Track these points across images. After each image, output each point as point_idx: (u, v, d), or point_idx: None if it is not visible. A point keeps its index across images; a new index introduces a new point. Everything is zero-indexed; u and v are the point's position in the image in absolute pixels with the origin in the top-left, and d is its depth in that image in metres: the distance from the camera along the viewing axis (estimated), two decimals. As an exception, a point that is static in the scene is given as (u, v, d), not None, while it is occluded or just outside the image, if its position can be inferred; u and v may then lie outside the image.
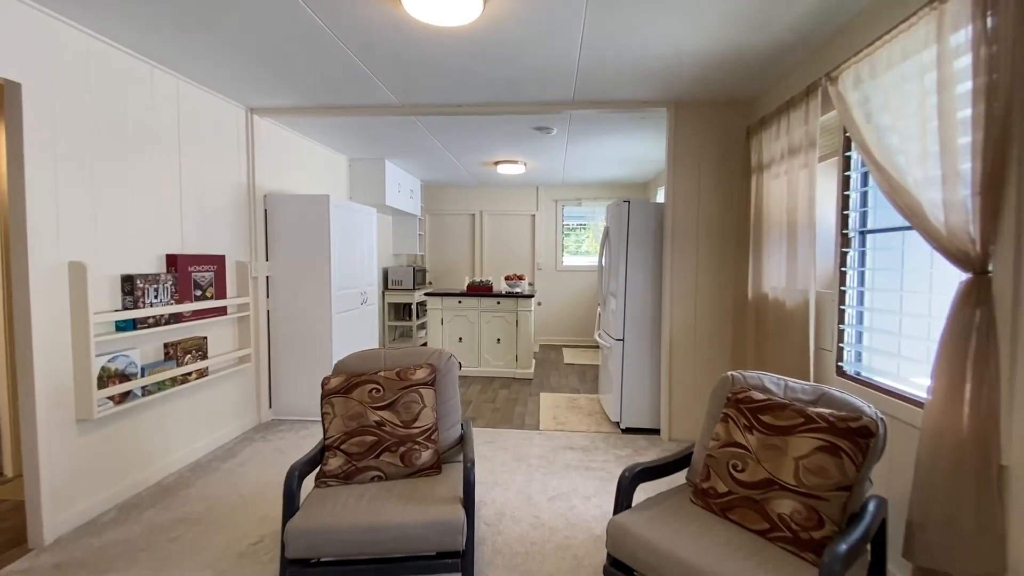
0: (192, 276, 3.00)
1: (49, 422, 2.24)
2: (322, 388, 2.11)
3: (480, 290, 5.25)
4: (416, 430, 2.03)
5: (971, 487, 1.53)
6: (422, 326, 6.95)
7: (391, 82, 3.08)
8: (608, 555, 1.69)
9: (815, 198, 2.32)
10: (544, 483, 2.78)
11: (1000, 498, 1.50)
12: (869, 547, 1.61)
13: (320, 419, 2.99)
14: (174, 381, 2.87)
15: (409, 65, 2.81)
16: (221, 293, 3.25)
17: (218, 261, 3.22)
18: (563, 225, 7.25)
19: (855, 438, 1.51)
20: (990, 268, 1.51)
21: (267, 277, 3.83)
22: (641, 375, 3.63)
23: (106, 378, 2.46)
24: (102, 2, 2.13)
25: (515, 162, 5.42)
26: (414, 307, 6.49)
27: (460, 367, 2.32)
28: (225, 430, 3.39)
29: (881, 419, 1.57)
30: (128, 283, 2.58)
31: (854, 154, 2.29)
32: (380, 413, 2.03)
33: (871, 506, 1.57)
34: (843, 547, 1.32)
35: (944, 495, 1.59)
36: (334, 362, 3.86)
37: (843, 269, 2.32)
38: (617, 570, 1.66)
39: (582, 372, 5.49)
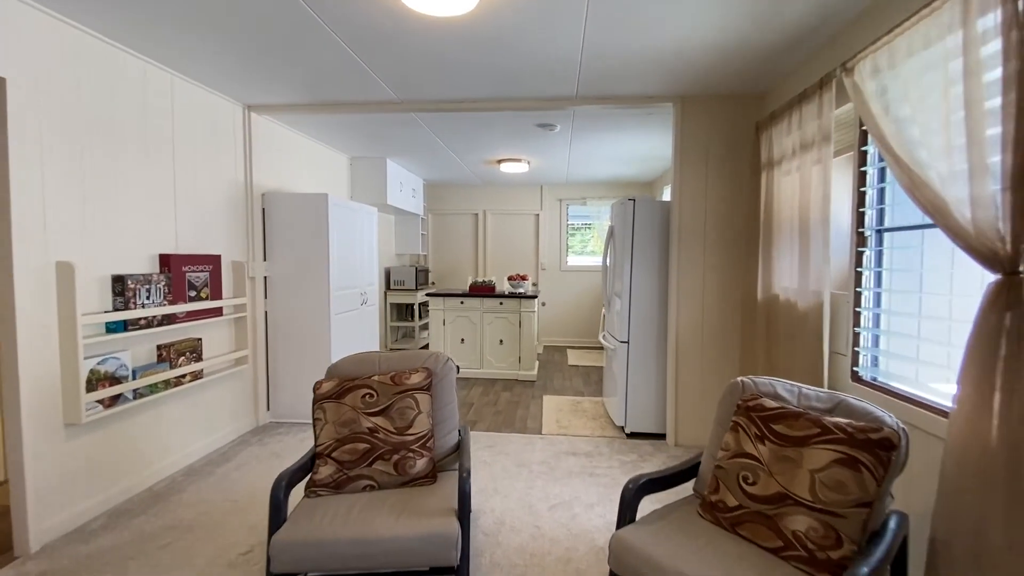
0: (186, 276, 2.94)
1: (35, 426, 2.18)
2: (314, 393, 2.03)
3: (482, 290, 5.17)
4: (410, 437, 1.95)
5: (1000, 502, 1.43)
6: (425, 327, 6.88)
7: (389, 77, 3.00)
8: (611, 572, 1.60)
9: (830, 195, 2.22)
10: (545, 490, 2.69)
11: (1033, 516, 1.39)
12: (888, 567, 1.51)
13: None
14: (167, 384, 2.80)
15: (406, 59, 2.73)
16: (216, 294, 3.19)
17: (213, 261, 3.15)
18: (567, 225, 7.15)
19: (876, 451, 1.41)
20: (1021, 268, 1.41)
21: (265, 277, 3.77)
22: (646, 378, 3.53)
23: (95, 381, 2.39)
24: (88, -6, 2.07)
25: (518, 160, 5.34)
26: (416, 308, 6.42)
27: (458, 371, 2.23)
28: (221, 433, 3.33)
29: (903, 429, 1.47)
30: (119, 284, 2.52)
31: (871, 148, 2.18)
32: (373, 419, 1.95)
33: (892, 523, 1.47)
34: (864, 570, 1.22)
35: (971, 510, 1.48)
36: (332, 361, 3.79)
37: (859, 269, 2.21)
38: (620, 588, 1.57)
39: (586, 374, 5.40)
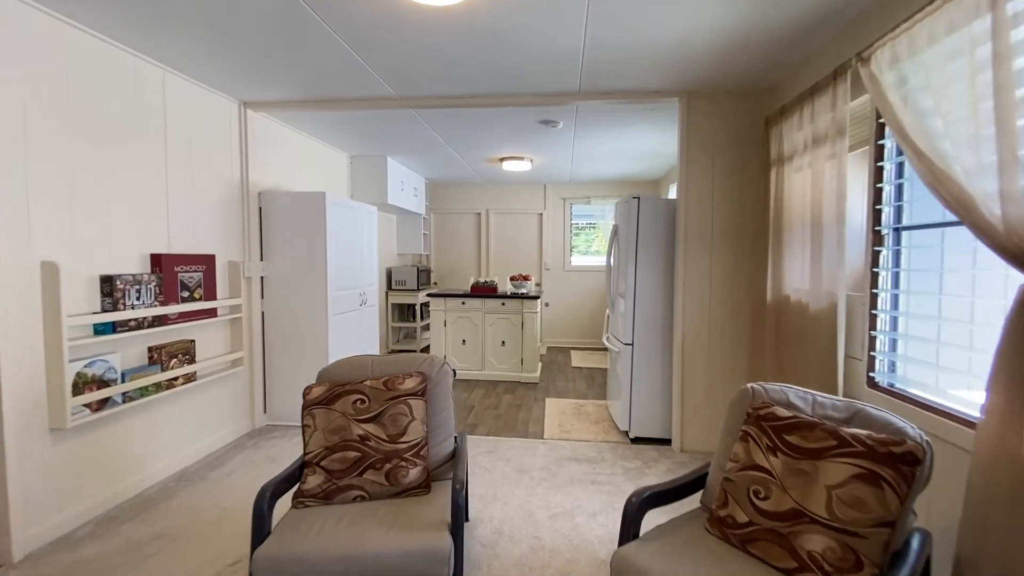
0: (179, 276, 2.87)
1: (19, 431, 2.11)
2: (303, 398, 1.95)
3: (484, 291, 5.08)
4: (403, 445, 1.87)
5: (1033, 521, 1.32)
6: (427, 327, 6.81)
7: (387, 73, 2.92)
8: (612, 591, 1.51)
9: (845, 191, 2.11)
10: (546, 498, 2.60)
11: (1071, 537, 1.29)
12: (912, 589, 1.41)
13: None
14: (158, 387, 2.73)
15: (404, 54, 2.64)
16: (211, 294, 3.12)
17: (207, 261, 3.08)
18: (571, 224, 7.05)
19: (898, 465, 1.30)
20: (1057, 269, 1.30)
21: (262, 277, 3.70)
22: (651, 382, 3.43)
23: (82, 384, 2.32)
24: (71, -16, 2.00)
25: (521, 158, 5.24)
26: (418, 308, 6.34)
27: (455, 375, 2.14)
28: (216, 436, 3.26)
29: (927, 442, 1.37)
30: (107, 284, 2.45)
31: (888, 142, 2.08)
32: (364, 426, 1.87)
33: (915, 543, 1.36)
34: (888, 598, 1.12)
35: (1000, 528, 1.37)
36: (330, 364, 3.71)
37: (875, 270, 2.10)
38: (622, 609, 1.47)
39: (590, 376, 5.30)
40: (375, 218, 4.51)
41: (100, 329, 2.42)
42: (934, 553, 1.69)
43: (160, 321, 2.73)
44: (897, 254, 2.07)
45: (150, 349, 2.74)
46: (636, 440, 3.43)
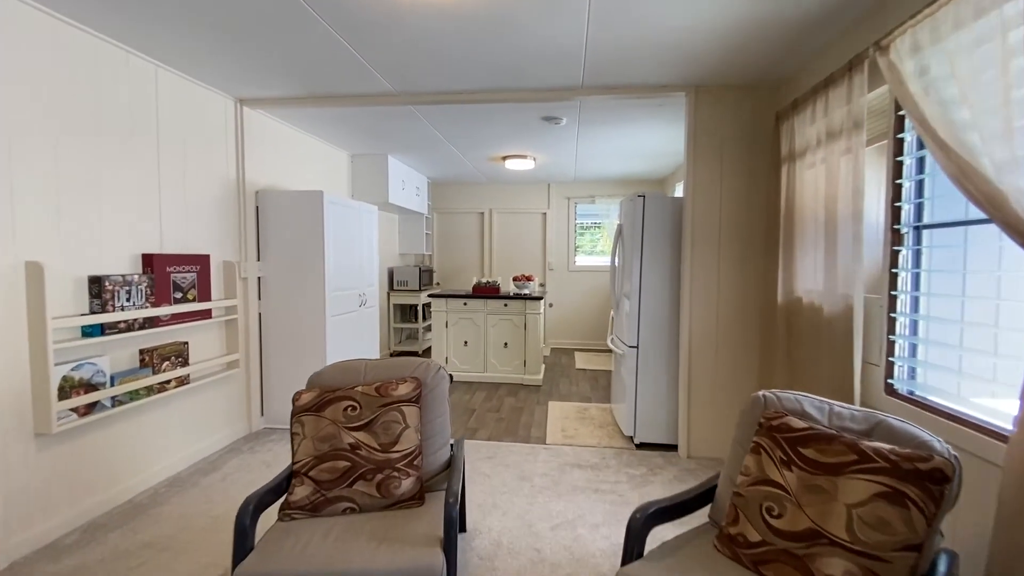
0: (171, 277, 2.80)
1: (2, 436, 2.05)
2: (293, 404, 1.87)
3: (486, 291, 4.99)
4: (396, 454, 1.78)
5: (1072, 544, 1.22)
6: (429, 328, 6.73)
7: (384, 68, 2.84)
8: (615, 613, 1.41)
9: (862, 187, 2.00)
10: (547, 507, 2.51)
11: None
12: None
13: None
14: (149, 390, 2.67)
15: (400, 48, 2.56)
16: (205, 295, 3.05)
17: (201, 261, 3.01)
18: (576, 224, 6.94)
19: (925, 484, 1.20)
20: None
21: (259, 278, 3.63)
22: (657, 386, 3.33)
23: (68, 388, 2.26)
24: (54, -26, 1.93)
25: (524, 157, 5.15)
26: (420, 308, 6.27)
27: (451, 380, 2.06)
28: (211, 440, 3.19)
29: (955, 457, 1.27)
30: (96, 285, 2.38)
31: (908, 136, 1.97)
32: (355, 434, 1.78)
33: (942, 566, 1.26)
34: (917, 631, 1.02)
35: (1035, 551, 1.27)
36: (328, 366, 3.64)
37: (894, 270, 1.99)
38: (625, 633, 1.38)
39: (594, 378, 5.20)
40: (375, 217, 4.44)
41: (88, 331, 2.36)
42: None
43: (151, 323, 2.66)
44: (917, 254, 1.96)
45: (141, 352, 2.67)
46: (641, 446, 3.33)
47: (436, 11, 2.19)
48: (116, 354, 2.54)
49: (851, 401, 2.02)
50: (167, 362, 2.78)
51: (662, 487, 2.74)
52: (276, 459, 3.10)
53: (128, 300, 2.52)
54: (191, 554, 2.12)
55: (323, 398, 1.86)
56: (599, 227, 6.98)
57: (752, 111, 3.06)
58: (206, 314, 3.06)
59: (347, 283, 3.96)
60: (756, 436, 1.54)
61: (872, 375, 2.08)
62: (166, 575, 1.98)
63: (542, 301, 4.98)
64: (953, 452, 1.29)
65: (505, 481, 2.79)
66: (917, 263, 1.95)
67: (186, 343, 2.91)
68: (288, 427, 3.66)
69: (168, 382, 2.79)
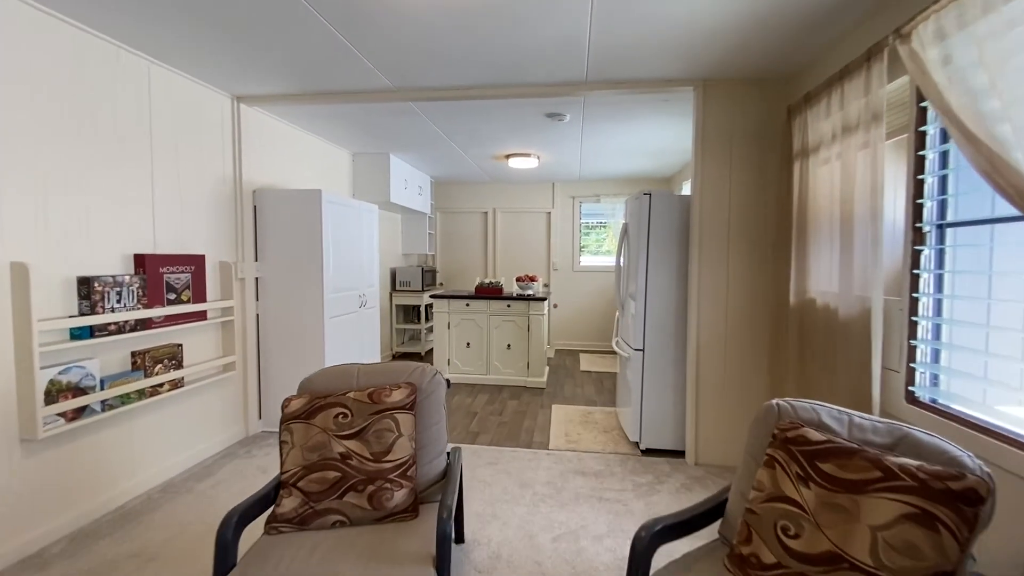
0: (164, 278, 2.73)
1: (-15, 443, 1.99)
2: (282, 411, 1.79)
3: (489, 292, 4.90)
4: (388, 464, 1.70)
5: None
6: (432, 329, 6.65)
7: (382, 63, 2.76)
8: (618, 639, 1.32)
9: (881, 183, 1.89)
10: (549, 517, 2.42)
11: None
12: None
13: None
14: (141, 394, 2.60)
15: (397, 41, 2.47)
16: (200, 296, 2.98)
17: (196, 261, 2.95)
18: (581, 224, 6.84)
19: (958, 504, 1.10)
20: None
21: (256, 279, 3.56)
22: (663, 390, 3.22)
23: (56, 392, 2.19)
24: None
25: (527, 155, 5.06)
26: (423, 309, 6.20)
27: (448, 385, 1.97)
28: (206, 444, 3.13)
29: (988, 475, 1.16)
30: (85, 286, 2.32)
31: (931, 128, 1.86)
32: (346, 443, 1.70)
33: (976, 593, 1.16)
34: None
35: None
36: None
37: (915, 271, 1.89)
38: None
39: (599, 381, 5.09)
40: (376, 217, 4.36)
41: (77, 333, 2.29)
42: (990, 597, 1.48)
43: (144, 325, 2.59)
44: (940, 254, 1.85)
45: (133, 354, 2.61)
46: (647, 452, 3.23)
47: (435, 5, 2.10)
48: (107, 357, 2.47)
49: (869, 409, 1.92)
50: (160, 365, 2.72)
51: (669, 496, 2.64)
52: (272, 464, 3.03)
53: (119, 301, 2.45)
54: (179, 564, 2.05)
55: (313, 404, 1.78)
56: (604, 227, 6.87)
57: (762, 105, 2.95)
58: (201, 315, 3.00)
59: (347, 284, 3.88)
60: (770, 448, 1.44)
61: (892, 382, 1.97)
62: (152, 587, 1.91)
63: (546, 302, 4.88)
64: (986, 469, 1.18)
65: (506, 489, 2.70)
66: (940, 263, 1.85)
67: (180, 345, 2.84)
68: (286, 431, 3.59)
69: (161, 385, 2.72)
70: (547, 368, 5.30)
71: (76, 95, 2.30)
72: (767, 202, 2.96)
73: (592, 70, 2.85)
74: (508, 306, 4.82)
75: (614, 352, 6.43)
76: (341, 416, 1.74)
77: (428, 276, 6.24)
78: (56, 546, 2.19)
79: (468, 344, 4.92)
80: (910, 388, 1.90)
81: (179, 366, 2.84)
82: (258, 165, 3.60)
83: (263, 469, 2.96)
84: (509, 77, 2.96)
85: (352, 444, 1.70)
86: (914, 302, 1.89)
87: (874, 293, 1.93)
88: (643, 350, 3.23)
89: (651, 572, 1.39)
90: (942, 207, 1.84)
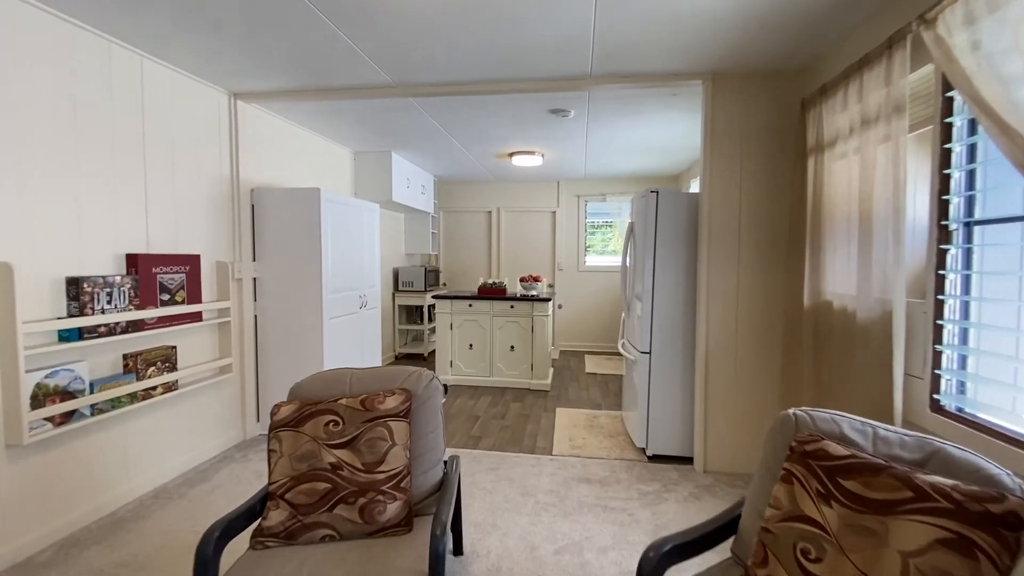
0: (157, 278, 2.67)
1: (-32, 449, 1.92)
2: (271, 418, 1.71)
3: (492, 293, 4.82)
4: (381, 475, 1.61)
5: None
6: (435, 330, 6.57)
7: (380, 58, 2.67)
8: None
9: (903, 179, 1.79)
10: (552, 527, 2.32)
11: None
12: None
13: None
14: (133, 397, 2.54)
15: (398, 35, 2.39)
16: (195, 297, 2.91)
17: (191, 261, 2.88)
18: (586, 223, 6.74)
19: (998, 529, 1.00)
20: None
21: (254, 279, 3.50)
22: (671, 394, 3.12)
23: (43, 396, 2.13)
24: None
25: (531, 153, 4.96)
26: (425, 310, 6.12)
27: (446, 391, 1.88)
28: (202, 448, 3.06)
29: (1031, 495, 1.06)
30: (73, 287, 2.25)
31: (957, 120, 1.75)
32: (337, 453, 1.62)
33: (1017, 626, 1.05)
34: None
35: None
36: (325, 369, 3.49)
37: (941, 272, 1.78)
38: None
39: (605, 384, 4.99)
40: (376, 216, 4.29)
41: (65, 336, 2.23)
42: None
43: (136, 326, 2.53)
44: (968, 253, 1.74)
45: (125, 357, 2.54)
46: (654, 458, 3.13)
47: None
48: (97, 359, 2.41)
49: (891, 418, 1.81)
50: (153, 367, 2.65)
51: (676, 505, 2.54)
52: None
53: (110, 302, 2.39)
54: (168, 575, 1.97)
55: (303, 411, 1.69)
56: (610, 226, 6.77)
57: (774, 99, 2.84)
58: (196, 317, 2.93)
59: (346, 284, 3.81)
60: (787, 462, 1.34)
61: (915, 389, 1.86)
62: (138, 600, 1.84)
63: (550, 303, 4.79)
64: (1028, 488, 1.08)
65: (507, 497, 2.61)
66: (967, 264, 1.74)
67: (174, 347, 2.77)
68: (284, 434, 3.52)
69: (154, 388, 2.66)
70: (551, 370, 5.21)
71: (65, 91, 2.24)
72: (779, 199, 2.84)
73: (597, 63, 2.75)
74: (512, 307, 4.73)
75: (620, 354, 6.33)
76: (332, 424, 1.66)
77: (431, 276, 6.16)
78: (44, 554, 2.13)
79: (471, 345, 4.83)
80: (935, 396, 1.79)
81: (173, 368, 2.78)
82: (256, 163, 3.53)
83: (259, 474, 2.89)
84: (511, 72, 2.87)
85: (343, 454, 1.62)
86: (940, 305, 1.78)
87: (895, 295, 1.83)
88: (650, 353, 3.13)
89: (659, 595, 1.30)
90: (970, 203, 1.73)
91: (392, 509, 1.59)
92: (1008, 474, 1.12)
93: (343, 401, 1.71)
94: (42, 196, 2.15)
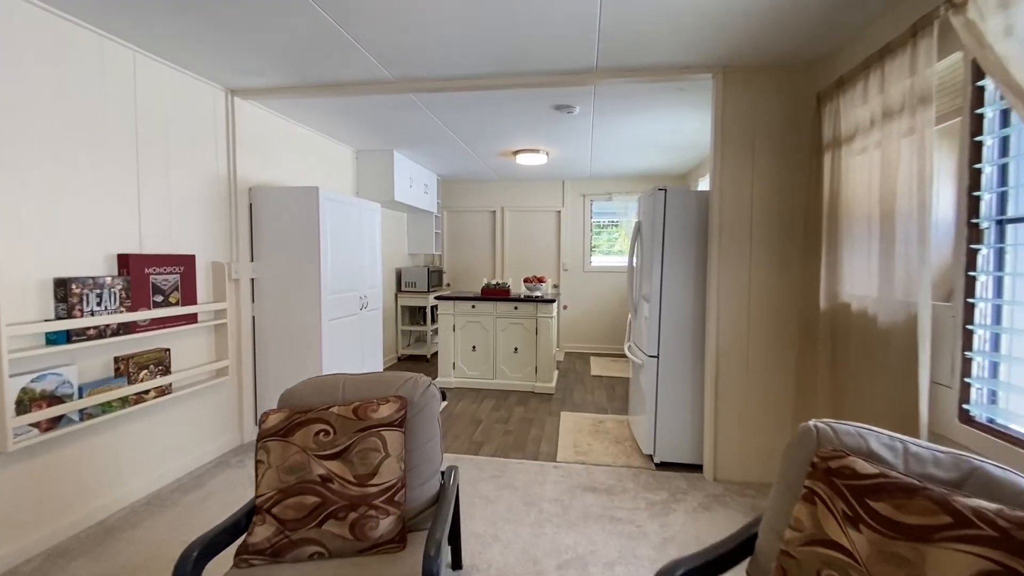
0: (150, 279, 2.60)
1: (-51, 457, 1.86)
2: (259, 427, 1.63)
3: (496, 294, 4.73)
4: (373, 489, 1.52)
5: None
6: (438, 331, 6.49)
7: (379, 52, 2.59)
8: None
9: (930, 174, 1.68)
10: (555, 539, 2.23)
11: None
12: None
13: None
14: (124, 402, 2.47)
15: (393, 27, 2.30)
16: (190, 298, 2.84)
17: (186, 262, 2.81)
18: (592, 223, 6.63)
19: (1052, 562, 0.89)
20: None
21: (252, 279, 3.42)
22: (680, 399, 3.01)
23: (28, 401, 2.06)
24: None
25: (536, 151, 4.87)
26: (428, 311, 6.04)
27: (444, 397, 1.79)
28: (198, 453, 2.99)
29: (1085, 522, 0.95)
30: (61, 288, 2.18)
31: (988, 111, 1.63)
32: (327, 464, 1.53)
33: (1070, 667, 0.94)
34: None
35: None
36: (324, 373, 3.41)
37: (971, 273, 1.66)
38: None
39: (611, 387, 4.89)
40: (378, 216, 4.21)
41: (52, 338, 2.16)
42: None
43: (127, 329, 2.46)
44: (1000, 253, 1.63)
45: (116, 360, 2.47)
46: (661, 465, 3.02)
47: (428, -22, 1.93)
48: (86, 363, 2.34)
49: (916, 429, 1.70)
50: (145, 371, 2.58)
51: (685, 516, 2.43)
52: (265, 475, 2.88)
53: (99, 304, 2.32)
54: (154, 589, 1.90)
55: (293, 420, 1.61)
56: (616, 226, 6.66)
57: (788, 93, 2.73)
58: (191, 318, 2.86)
59: (346, 285, 3.73)
60: (809, 480, 1.24)
61: (942, 398, 1.75)
62: (122, 616, 1.77)
63: (554, 304, 4.69)
64: (1081, 515, 0.97)
65: (510, 506, 2.52)
66: (1000, 265, 1.62)
67: (167, 350, 2.70)
68: (282, 438, 3.45)
69: (147, 392, 2.59)
70: (556, 372, 5.11)
71: (50, 85, 2.16)
72: (793, 197, 2.73)
73: (602, 56, 2.65)
74: (515, 308, 4.63)
75: (626, 356, 6.22)
76: (322, 434, 1.57)
77: (434, 277, 6.08)
78: (30, 564, 2.06)
79: (474, 347, 4.75)
80: (964, 406, 1.67)
81: (167, 372, 2.71)
82: (255, 162, 3.46)
83: (254, 481, 2.81)
84: (514, 65, 2.77)
85: (334, 465, 1.53)
86: (969, 308, 1.67)
87: (921, 298, 1.71)
88: (657, 356, 3.03)
89: (670, 624, 1.20)
90: (1002, 200, 1.62)
91: (385, 525, 1.50)
92: (1057, 497, 1.01)
93: (335, 409, 1.63)
94: (28, 194, 2.08)
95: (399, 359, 6.07)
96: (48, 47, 2.15)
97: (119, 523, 2.37)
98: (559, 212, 6.62)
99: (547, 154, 5.00)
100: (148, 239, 2.65)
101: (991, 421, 1.62)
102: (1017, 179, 1.60)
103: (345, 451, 1.55)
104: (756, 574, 1.34)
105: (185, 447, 2.91)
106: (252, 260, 3.41)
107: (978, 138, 1.65)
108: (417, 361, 6.00)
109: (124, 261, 2.49)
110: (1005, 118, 1.61)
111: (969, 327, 1.66)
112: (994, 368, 1.64)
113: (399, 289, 6.03)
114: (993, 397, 1.65)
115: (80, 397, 2.25)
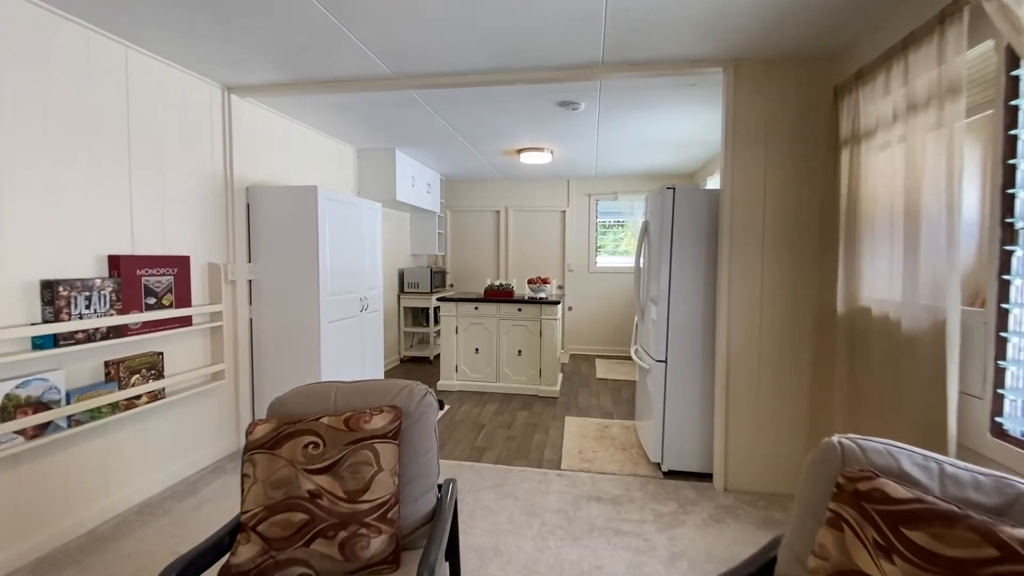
0: (142, 281, 2.53)
1: (-72, 466, 1.79)
2: (246, 438, 1.55)
3: (499, 295, 4.63)
4: (365, 505, 1.43)
5: None
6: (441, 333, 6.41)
7: (377, 46, 2.50)
8: None
9: (959, 170, 1.57)
10: (559, 553, 2.13)
11: None
12: None
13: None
14: (115, 407, 2.39)
15: (392, 22, 2.21)
16: (184, 300, 2.77)
17: (180, 263, 2.74)
18: (597, 223, 6.52)
19: (1120, 606, 0.79)
20: None
21: (250, 281, 3.35)
22: (688, 406, 2.91)
23: (13, 408, 1.99)
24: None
25: (540, 149, 4.77)
26: (431, 312, 5.96)
27: (441, 406, 1.70)
28: (193, 459, 2.92)
29: None
30: (48, 290, 2.11)
31: (1025, 103, 1.52)
32: (316, 479, 1.44)
33: None
34: None
35: None
36: (323, 377, 3.34)
37: (1005, 277, 1.55)
38: None
39: (616, 390, 4.78)
40: (379, 215, 4.13)
41: (39, 343, 2.09)
42: None
43: (118, 332, 2.39)
44: (1036, 255, 1.51)
45: (107, 364, 2.40)
46: (669, 474, 2.92)
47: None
48: (75, 367, 2.27)
49: (944, 443, 1.59)
50: (137, 375, 2.51)
51: (695, 529, 2.33)
52: (260, 482, 2.80)
53: (88, 307, 2.25)
54: (140, 605, 1.82)
55: (281, 431, 1.52)
56: (622, 226, 6.55)
57: (803, 87, 2.62)
58: (185, 321, 2.79)
59: (346, 286, 3.65)
60: (834, 503, 1.13)
61: (972, 410, 1.64)
62: (105, 634, 1.69)
63: (559, 306, 4.59)
64: None
65: (512, 517, 2.43)
66: (1036, 267, 1.51)
67: (160, 354, 2.63)
68: (280, 443, 3.37)
69: (138, 397, 2.52)
70: (560, 375, 5.01)
71: (37, 81, 2.09)
72: (808, 195, 2.62)
73: (609, 51, 2.55)
74: (519, 310, 4.54)
75: (632, 358, 6.10)
76: (312, 446, 1.49)
77: (437, 277, 6.00)
78: (16, 575, 1.99)
79: (477, 350, 4.66)
80: (997, 419, 1.56)
81: (159, 376, 2.63)
82: (253, 161, 3.39)
83: (250, 487, 2.73)
84: (516, 60, 2.68)
85: (323, 480, 1.44)
86: (1003, 314, 1.56)
87: (949, 302, 1.61)
88: (665, 361, 2.92)
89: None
90: (1039, 198, 1.51)
91: (377, 544, 1.41)
92: (1118, 529, 0.90)
93: (325, 420, 1.54)
94: (15, 193, 2.01)
95: (401, 361, 6.00)
96: (32, 39, 2.08)
97: (109, 532, 2.30)
98: (564, 212, 6.52)
99: (551, 152, 4.91)
100: (141, 240, 2.58)
101: (1026, 435, 1.51)
102: (1055, 175, 1.49)
103: (335, 465, 1.47)
104: (776, 603, 1.24)
105: (179, 453, 2.84)
106: (250, 261, 3.34)
107: (1012, 132, 1.54)
108: (420, 363, 5.92)
109: (115, 262, 2.41)
110: (1045, 109, 1.50)
111: (1003, 334, 1.55)
112: (1030, 378, 1.53)
113: (401, 290, 5.96)
114: (1028, 409, 1.54)
115: (68, 403, 2.18)
